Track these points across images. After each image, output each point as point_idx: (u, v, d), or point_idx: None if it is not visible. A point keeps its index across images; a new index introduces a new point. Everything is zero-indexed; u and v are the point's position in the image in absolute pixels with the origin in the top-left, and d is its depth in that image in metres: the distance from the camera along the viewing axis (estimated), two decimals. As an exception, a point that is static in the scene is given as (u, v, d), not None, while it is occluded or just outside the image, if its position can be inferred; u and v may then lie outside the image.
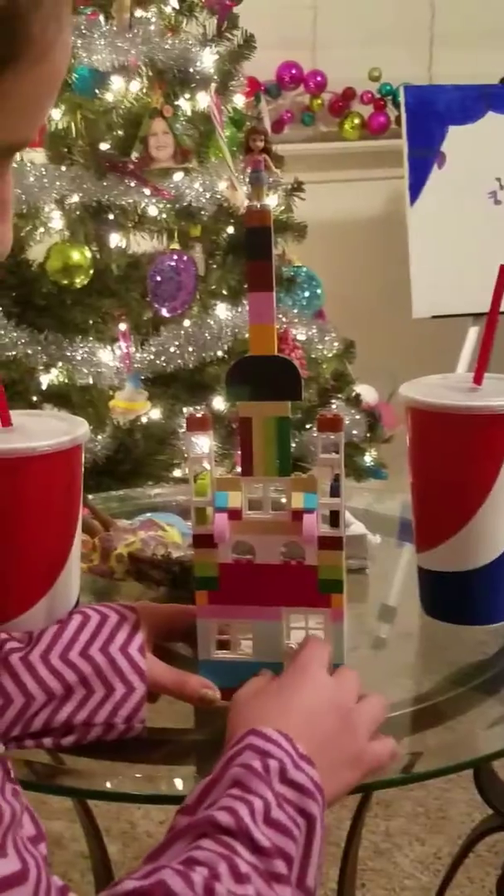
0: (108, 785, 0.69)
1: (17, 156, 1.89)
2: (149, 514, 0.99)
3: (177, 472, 1.94)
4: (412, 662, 0.87)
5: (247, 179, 1.85)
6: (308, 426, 1.99)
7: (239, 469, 0.73)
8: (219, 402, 1.98)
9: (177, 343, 1.96)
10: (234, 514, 0.72)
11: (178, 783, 0.69)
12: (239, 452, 0.72)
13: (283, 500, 0.72)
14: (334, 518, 0.71)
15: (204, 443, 0.72)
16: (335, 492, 0.71)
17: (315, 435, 0.71)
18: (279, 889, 0.50)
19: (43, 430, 0.77)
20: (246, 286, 0.69)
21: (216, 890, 0.48)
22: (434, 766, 0.68)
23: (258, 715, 0.60)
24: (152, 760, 0.70)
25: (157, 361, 1.95)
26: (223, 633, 0.74)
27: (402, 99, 2.45)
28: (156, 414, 1.96)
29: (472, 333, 2.45)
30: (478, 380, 0.85)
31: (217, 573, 0.72)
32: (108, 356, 1.93)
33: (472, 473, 0.82)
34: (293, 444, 2.02)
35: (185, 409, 1.96)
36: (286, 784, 0.54)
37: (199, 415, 0.72)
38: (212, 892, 0.47)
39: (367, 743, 0.62)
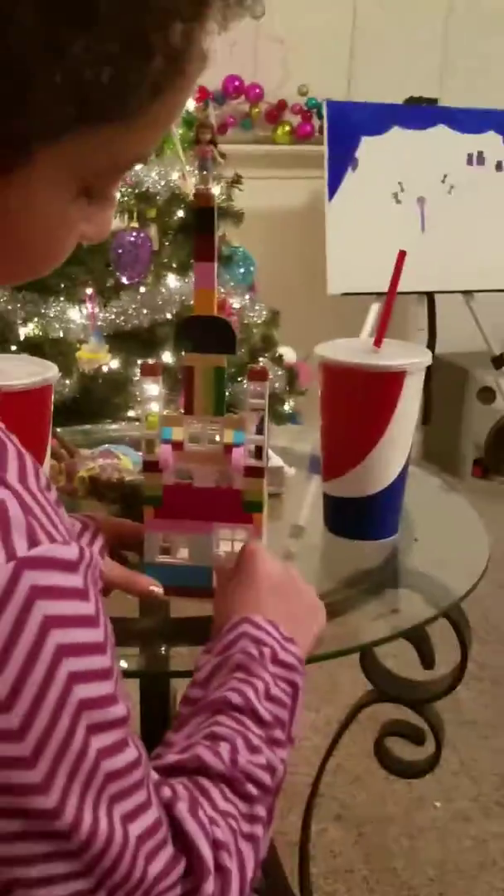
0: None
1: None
2: (107, 445, 0.98)
3: (131, 413, 1.92)
4: (315, 569, 0.87)
5: (196, 168, 1.81)
6: (240, 379, 1.98)
7: (182, 410, 0.72)
8: (167, 357, 1.95)
9: (134, 306, 1.92)
10: (177, 446, 0.71)
11: (124, 662, 0.69)
12: (182, 397, 0.72)
13: (217, 437, 0.72)
14: (258, 452, 0.71)
15: (154, 387, 0.72)
16: (260, 430, 0.71)
17: (245, 385, 0.71)
18: (280, 752, 0.52)
19: (19, 372, 0.75)
20: (192, 259, 0.67)
21: (238, 760, 0.49)
22: (329, 649, 0.69)
23: (238, 603, 0.60)
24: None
25: (117, 321, 1.91)
26: (165, 542, 0.74)
27: (324, 112, 2.42)
28: (115, 364, 1.93)
29: (374, 308, 2.46)
30: (378, 343, 0.85)
31: (161, 493, 0.72)
32: (76, 314, 1.89)
33: (370, 419, 0.83)
34: (227, 393, 2.03)
35: (139, 361, 1.93)
36: (277, 665, 0.55)
37: (150, 363, 0.71)
38: (235, 762, 0.49)
39: (316, 598, 0.63)
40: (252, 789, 0.49)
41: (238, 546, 0.72)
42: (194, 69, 0.43)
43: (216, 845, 0.46)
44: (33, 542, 0.38)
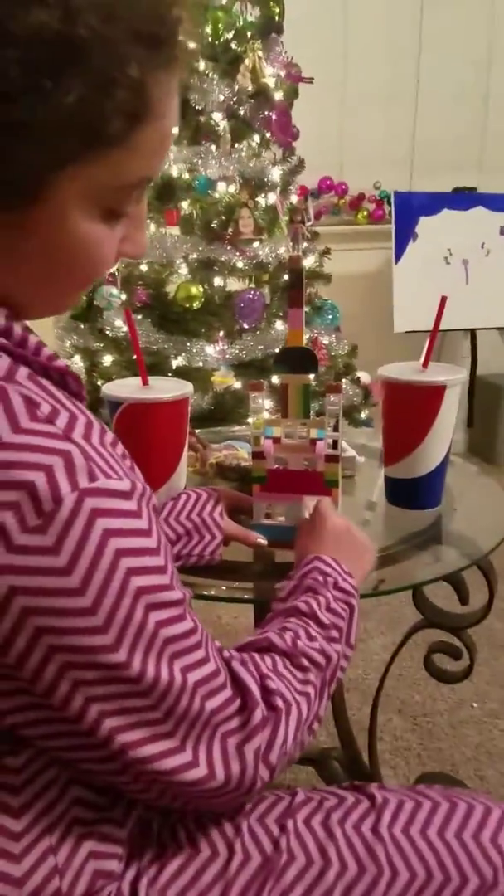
0: (204, 592, 0.69)
1: (163, 231, 1.83)
2: (229, 441, 1.00)
3: (249, 419, 1.93)
4: (380, 530, 0.87)
5: (290, 242, 1.80)
6: (324, 394, 1.95)
7: (280, 415, 0.73)
8: (274, 379, 1.95)
9: (251, 343, 1.93)
10: (276, 440, 0.72)
11: (243, 594, 0.70)
12: (280, 406, 0.72)
13: (305, 434, 0.72)
14: (335, 444, 0.71)
15: (260, 399, 0.73)
16: (335, 429, 0.71)
17: (326, 397, 0.71)
18: (334, 645, 0.52)
19: (166, 388, 0.77)
20: (287, 307, 0.67)
21: (298, 643, 0.49)
22: (389, 586, 0.69)
23: (312, 546, 0.60)
24: (229, 578, 0.71)
25: (240, 354, 1.93)
26: (268, 509, 0.74)
27: (392, 200, 2.37)
28: (237, 385, 1.94)
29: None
30: (425, 365, 0.84)
31: (266, 474, 0.73)
32: (211, 350, 1.91)
33: (419, 420, 0.82)
34: (316, 406, 2.01)
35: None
36: (338, 590, 0.55)
37: (256, 381, 0.72)
38: (295, 644, 0.49)
39: (369, 542, 0.63)
40: (306, 662, 0.49)
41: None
42: (163, 99, 0.39)
43: (267, 691, 0.45)
44: (93, 478, 0.38)
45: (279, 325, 1.97)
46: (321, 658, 0.49)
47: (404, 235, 2.36)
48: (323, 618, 0.52)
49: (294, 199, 2.06)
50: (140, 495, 0.40)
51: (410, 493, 0.85)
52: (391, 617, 1.75)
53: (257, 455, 0.73)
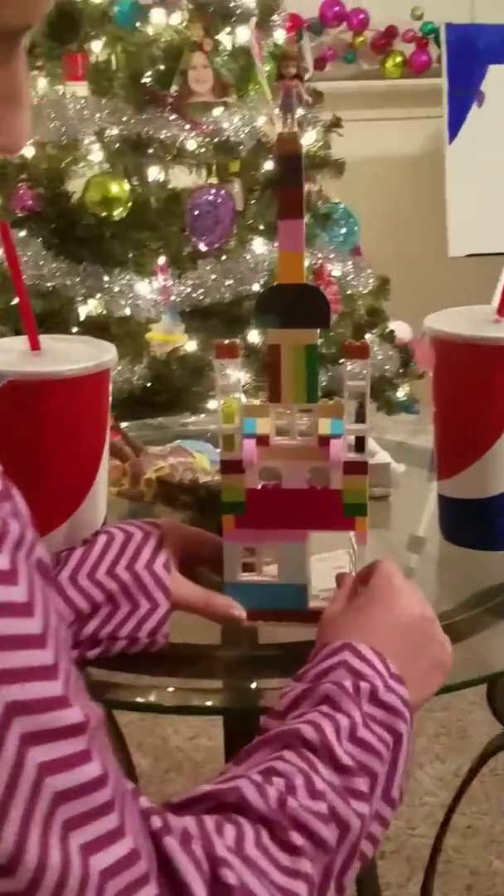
0: (139, 698, 0.69)
1: (60, 88, 1.85)
2: (179, 442, 0.99)
3: (212, 404, 1.94)
4: (432, 585, 0.87)
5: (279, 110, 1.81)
6: (341, 361, 1.97)
7: (268, 398, 0.72)
8: (254, 336, 1.96)
9: (214, 277, 1.93)
10: (262, 441, 0.71)
11: (205, 700, 0.70)
12: (268, 382, 0.72)
13: (310, 428, 0.71)
14: (359, 444, 0.71)
15: (233, 370, 0.72)
16: (360, 418, 0.71)
17: (344, 365, 0.71)
18: (356, 805, 0.51)
19: (70, 355, 0.76)
20: (277, 217, 0.67)
21: (288, 803, 0.48)
22: (453, 681, 0.68)
23: (351, 628, 0.60)
24: (181, 674, 0.71)
25: (195, 295, 1.93)
26: (249, 556, 0.74)
27: (443, 37, 2.41)
28: (192, 346, 1.95)
29: (507, 272, 2.40)
30: (502, 311, 0.84)
31: (244, 498, 0.72)
32: (145, 289, 1.91)
33: (493, 403, 0.82)
34: (325, 380, 2.03)
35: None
36: (376, 705, 0.55)
37: (227, 342, 0.71)
38: (284, 805, 0.48)
39: (448, 645, 0.63)
40: (297, 839, 0.47)
41: (340, 559, 0.71)
42: None
43: (221, 890, 0.44)
44: None
45: (259, 246, 1.99)
46: (325, 830, 0.49)
47: (464, 96, 2.39)
48: (341, 753, 0.52)
49: (280, 36, 2.08)
50: (13, 545, 0.41)
51: (479, 523, 0.86)
52: (453, 730, 1.77)
53: (230, 466, 0.72)
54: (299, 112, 0.66)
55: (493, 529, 0.86)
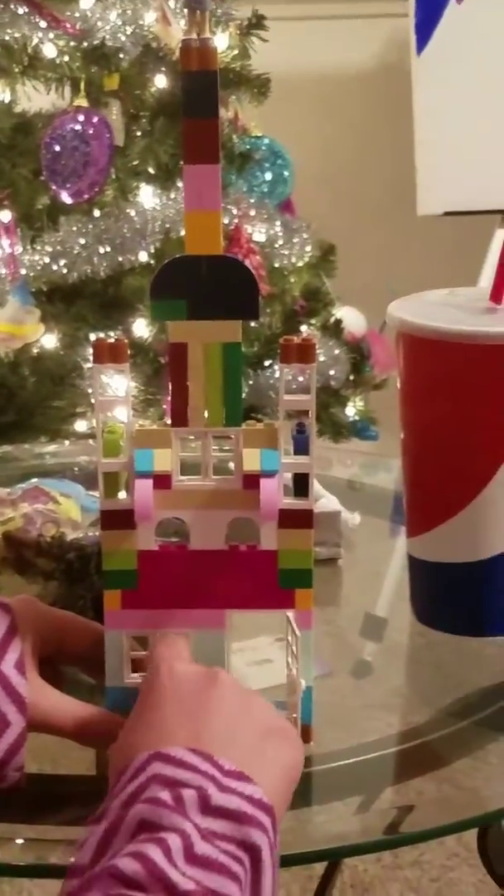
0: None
1: None
2: (35, 480, 1.00)
3: (80, 424, 1.94)
4: (399, 686, 0.89)
5: (182, 5, 1.83)
6: (268, 363, 1.99)
7: (168, 418, 0.73)
8: (141, 327, 1.97)
9: (83, 241, 1.94)
10: (162, 481, 0.72)
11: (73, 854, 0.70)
12: (169, 396, 0.73)
13: (231, 463, 0.73)
14: (301, 484, 0.72)
15: (118, 380, 0.73)
16: (301, 447, 0.72)
17: (277, 371, 0.72)
18: None
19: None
20: (181, 161, 0.69)
21: None
22: (427, 824, 0.70)
23: (149, 736, 0.62)
24: (39, 820, 0.71)
25: (55, 267, 1.94)
26: (139, 649, 0.75)
27: None
28: (52, 342, 1.95)
29: (500, 236, 2.46)
30: (496, 297, 0.86)
31: (135, 565, 0.73)
32: (-17, 257, 1.91)
33: (485, 427, 0.84)
34: (245, 387, 2.04)
35: (93, 336, 1.95)
36: (212, 814, 0.56)
37: (109, 339, 0.72)
38: None
39: (275, 712, 0.66)
40: None
41: (264, 651, 0.72)
42: None
43: None
44: None
45: (147, 197, 2.00)
46: None
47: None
48: (179, 879, 0.53)
49: None
50: None
51: (469, 598, 0.88)
52: (425, 891, 1.80)
53: (114, 519, 0.73)
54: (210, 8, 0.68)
55: (485, 606, 0.88)
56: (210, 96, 0.67)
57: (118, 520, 0.72)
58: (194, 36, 0.68)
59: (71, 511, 0.96)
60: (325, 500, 1.02)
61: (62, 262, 1.94)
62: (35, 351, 1.94)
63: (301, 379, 0.71)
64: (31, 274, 1.93)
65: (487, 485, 0.85)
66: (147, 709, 0.65)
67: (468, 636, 0.88)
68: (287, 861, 0.70)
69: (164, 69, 2.01)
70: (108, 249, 1.95)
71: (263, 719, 0.65)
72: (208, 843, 0.55)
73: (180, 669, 0.66)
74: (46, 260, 1.94)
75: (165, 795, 0.56)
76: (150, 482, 0.72)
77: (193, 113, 0.68)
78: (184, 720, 0.63)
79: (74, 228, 1.96)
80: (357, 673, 0.89)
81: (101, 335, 1.92)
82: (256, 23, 2.13)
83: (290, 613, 0.73)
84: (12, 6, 1.89)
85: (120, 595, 0.73)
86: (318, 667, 0.80)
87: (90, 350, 1.88)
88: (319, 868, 1.05)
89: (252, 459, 0.72)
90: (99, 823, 0.57)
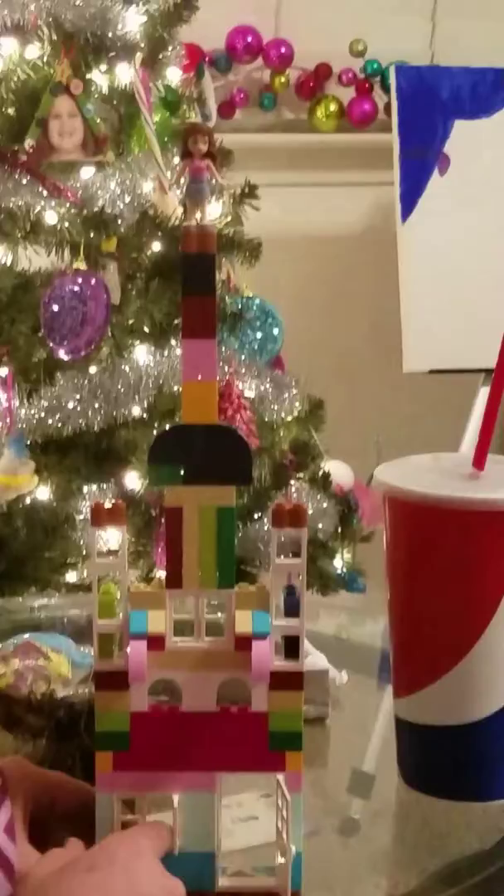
0: None
1: None
2: (28, 635, 1.00)
3: (71, 576, 1.93)
4: (386, 846, 0.88)
5: (182, 192, 1.85)
6: (257, 515, 1.99)
7: (162, 574, 0.74)
8: (133, 480, 1.97)
9: (78, 396, 1.96)
10: (155, 643, 0.72)
11: None
12: (161, 550, 0.73)
13: (224, 622, 0.73)
14: (292, 646, 0.73)
15: (114, 540, 0.73)
16: (292, 609, 0.72)
17: (268, 530, 0.73)
18: None
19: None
20: (177, 323, 0.70)
21: None
22: None
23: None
24: None
25: (50, 421, 1.95)
26: (130, 812, 0.74)
27: (392, 81, 2.51)
28: (45, 493, 1.96)
29: (484, 396, 2.48)
30: (478, 462, 0.88)
31: (128, 727, 0.73)
32: (-19, 412, 1.93)
33: (471, 589, 0.85)
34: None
35: (85, 488, 1.95)
36: None
37: (108, 504, 0.73)
38: None
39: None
40: None
41: (250, 808, 0.72)
42: None
43: None
44: None
45: (142, 355, 2.02)
46: None
47: (421, 160, 2.50)
48: None
49: (175, 74, 2.17)
50: None
51: (455, 761, 0.87)
52: None
53: (108, 680, 0.73)
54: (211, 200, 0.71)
55: (474, 771, 0.87)
56: (208, 276, 0.70)
57: (112, 681, 0.72)
58: (194, 222, 0.70)
59: (61, 667, 0.95)
60: (312, 658, 1.01)
61: (57, 416, 1.95)
62: (28, 501, 1.94)
63: (293, 539, 0.72)
64: (26, 427, 1.94)
65: (473, 648, 0.85)
66: (79, 871, 0.66)
67: (458, 801, 0.87)
68: None
69: (159, 234, 2.04)
70: (103, 403, 1.96)
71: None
72: None
73: (140, 872, 0.68)
74: (42, 414, 1.95)
75: None
76: (144, 644, 0.72)
77: (192, 291, 0.70)
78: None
79: (70, 384, 1.97)
80: (344, 832, 0.88)
81: (97, 491, 1.92)
82: (249, 192, 2.17)
83: (280, 777, 0.73)
84: (17, 176, 1.93)
85: (112, 757, 0.73)
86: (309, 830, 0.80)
87: (82, 502, 1.93)
88: None
89: (244, 621, 0.72)
90: None
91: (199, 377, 0.71)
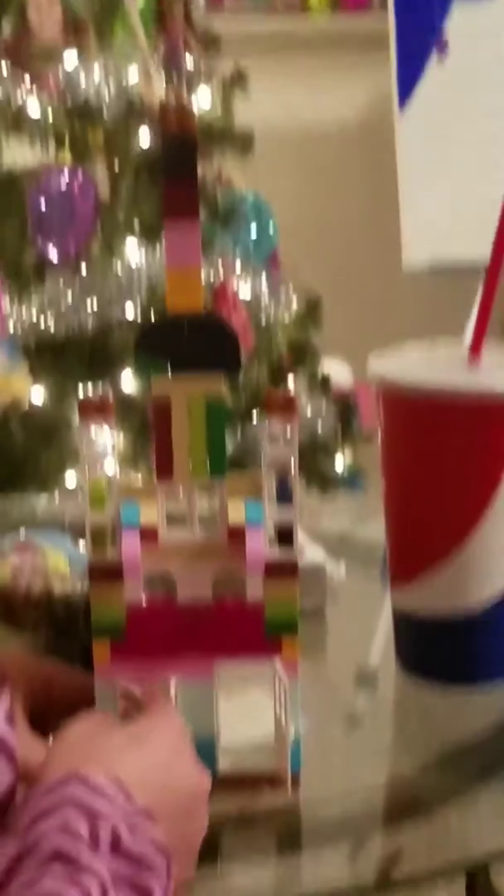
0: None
1: None
2: (24, 533, 1.01)
3: (69, 477, 1.94)
4: (385, 739, 0.89)
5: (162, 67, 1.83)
6: (255, 416, 1.99)
7: (154, 472, 0.74)
8: (129, 382, 1.98)
9: (69, 297, 1.96)
10: (148, 535, 0.73)
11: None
12: (154, 451, 0.74)
13: (216, 514, 0.74)
14: (285, 535, 0.73)
15: (102, 436, 0.74)
16: (285, 497, 0.73)
17: (262, 424, 0.73)
18: None
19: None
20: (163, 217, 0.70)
21: None
22: (415, 869, 0.70)
23: (87, 754, 0.64)
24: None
25: (42, 323, 1.95)
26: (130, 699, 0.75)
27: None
28: (40, 396, 1.96)
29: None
30: (475, 351, 0.88)
31: (123, 617, 0.74)
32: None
33: (467, 479, 0.85)
34: (230, 445, 2.03)
35: (81, 390, 1.95)
36: (120, 856, 0.58)
37: (96, 398, 0.73)
38: None
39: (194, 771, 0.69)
40: None
41: (254, 700, 0.73)
42: None
43: None
44: None
45: (134, 254, 2.01)
46: None
47: (419, 45, 2.47)
48: None
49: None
50: None
51: (452, 649, 0.89)
52: None
53: (102, 572, 0.74)
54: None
55: (469, 658, 0.88)
56: (188, 157, 0.69)
57: (106, 573, 0.73)
58: (173, 100, 0.70)
59: (58, 564, 0.96)
60: (309, 553, 1.02)
61: (49, 318, 1.95)
62: (23, 406, 1.94)
63: (284, 430, 0.72)
64: (19, 330, 1.94)
65: (469, 538, 0.85)
66: (99, 735, 0.66)
67: (450, 686, 0.89)
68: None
69: (147, 126, 2.02)
70: (95, 305, 1.96)
71: (190, 796, 0.67)
72: (117, 891, 0.56)
73: (181, 754, 0.68)
74: (34, 315, 1.95)
75: (83, 828, 0.57)
76: (137, 535, 0.73)
77: (172, 174, 0.70)
78: (127, 753, 0.64)
79: (61, 284, 1.96)
80: (343, 722, 0.89)
81: (88, 393, 1.92)
82: (238, 79, 2.13)
83: (277, 662, 0.74)
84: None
85: (108, 647, 0.74)
86: (309, 721, 0.81)
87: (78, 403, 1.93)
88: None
89: (237, 511, 0.73)
90: (11, 836, 0.58)
91: (184, 262, 0.71)
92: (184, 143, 0.69)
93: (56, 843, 0.56)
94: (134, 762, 0.64)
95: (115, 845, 0.58)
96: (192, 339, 0.72)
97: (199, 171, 0.70)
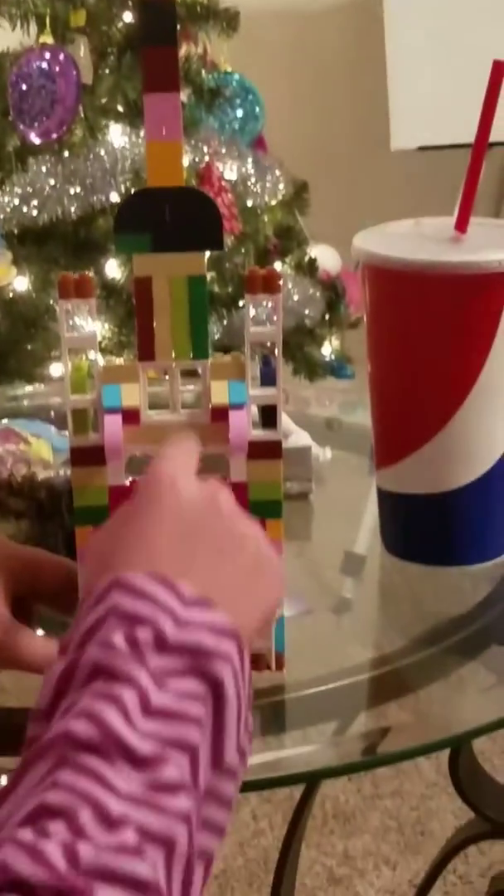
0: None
1: None
2: (6, 421, 1.01)
3: (54, 368, 1.93)
4: (373, 618, 0.91)
5: None
6: (242, 303, 1.98)
7: (137, 354, 0.74)
8: (114, 268, 1.96)
9: (52, 182, 1.93)
10: (130, 417, 0.73)
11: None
12: (137, 333, 0.74)
13: (198, 394, 0.73)
14: (268, 416, 0.73)
15: (84, 317, 0.73)
16: (269, 379, 0.73)
17: (245, 304, 0.72)
18: (174, 803, 0.52)
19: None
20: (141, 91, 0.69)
21: (81, 857, 0.48)
22: (400, 747, 0.71)
23: (116, 550, 0.61)
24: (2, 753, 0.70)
25: (25, 209, 1.93)
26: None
27: None
28: (22, 284, 1.94)
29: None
30: (461, 225, 0.87)
31: (105, 501, 0.74)
32: None
33: (452, 357, 0.85)
34: (218, 331, 2.03)
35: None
36: (167, 652, 0.55)
37: (75, 275, 0.72)
38: (76, 861, 0.48)
39: (258, 529, 0.65)
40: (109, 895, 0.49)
41: None
42: None
43: None
44: None
45: (116, 136, 1.99)
46: (145, 865, 0.49)
47: None
48: (137, 743, 0.53)
49: None
50: None
51: (437, 528, 0.89)
52: (406, 823, 1.83)
53: (84, 455, 0.74)
54: None
55: (453, 537, 0.89)
56: (167, 23, 0.67)
57: (88, 456, 0.73)
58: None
59: (42, 451, 0.97)
60: (295, 436, 1.02)
61: (32, 204, 1.93)
62: (7, 294, 1.93)
63: (268, 308, 0.72)
64: (2, 216, 1.92)
65: (454, 416, 0.85)
66: (133, 517, 0.63)
67: (435, 566, 0.90)
68: (263, 785, 0.72)
69: (131, 3, 1.98)
70: (79, 190, 1.94)
71: (253, 553, 0.63)
72: (165, 690, 0.54)
73: (183, 486, 0.63)
74: (16, 202, 1.93)
75: (119, 640, 0.55)
76: (118, 417, 0.72)
77: (152, 41, 0.67)
78: (167, 542, 0.61)
79: (44, 169, 1.94)
80: (332, 608, 0.90)
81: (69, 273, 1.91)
82: None
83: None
84: None
85: (91, 531, 0.73)
86: (295, 604, 0.81)
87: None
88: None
89: (220, 392, 0.73)
90: (61, 656, 0.57)
91: (164, 134, 0.69)
92: (162, 8, 0.67)
93: (94, 659, 0.55)
94: (184, 552, 0.60)
95: (161, 644, 0.55)
96: (173, 214, 0.70)
97: (180, 41, 0.69)
